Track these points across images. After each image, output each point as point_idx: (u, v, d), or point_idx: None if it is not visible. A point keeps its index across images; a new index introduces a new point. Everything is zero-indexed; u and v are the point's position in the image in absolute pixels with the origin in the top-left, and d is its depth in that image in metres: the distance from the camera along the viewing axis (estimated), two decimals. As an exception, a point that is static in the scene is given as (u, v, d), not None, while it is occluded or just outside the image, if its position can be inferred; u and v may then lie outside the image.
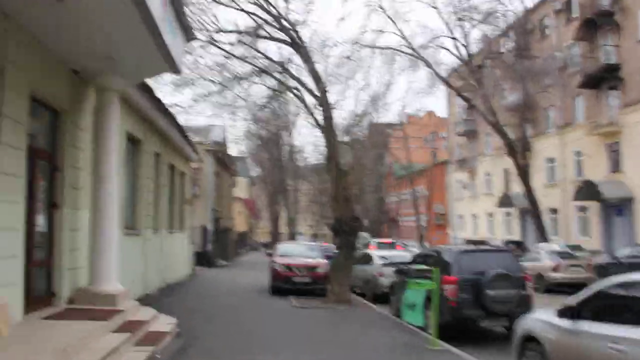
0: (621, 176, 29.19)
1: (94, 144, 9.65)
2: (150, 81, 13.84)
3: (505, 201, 38.46)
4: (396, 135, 51.00)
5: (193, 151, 22.30)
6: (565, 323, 6.38)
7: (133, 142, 14.48)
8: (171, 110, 17.13)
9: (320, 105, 16.72)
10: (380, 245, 33.40)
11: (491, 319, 10.41)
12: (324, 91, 16.70)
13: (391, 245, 35.44)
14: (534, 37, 35.34)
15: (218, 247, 33.26)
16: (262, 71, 17.33)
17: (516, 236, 38.59)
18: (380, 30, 30.38)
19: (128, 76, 9.83)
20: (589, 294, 6.35)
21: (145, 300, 13.06)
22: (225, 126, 38.13)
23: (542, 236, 31.19)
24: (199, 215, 29.43)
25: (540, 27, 36.49)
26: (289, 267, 16.97)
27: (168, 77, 17.68)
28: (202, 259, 29.09)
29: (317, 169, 63.01)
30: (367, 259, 17.93)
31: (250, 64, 17.36)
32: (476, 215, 45.96)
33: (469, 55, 32.74)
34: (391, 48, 30.35)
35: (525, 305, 10.50)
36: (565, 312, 6.39)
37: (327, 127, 16.49)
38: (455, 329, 10.43)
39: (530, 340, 7.04)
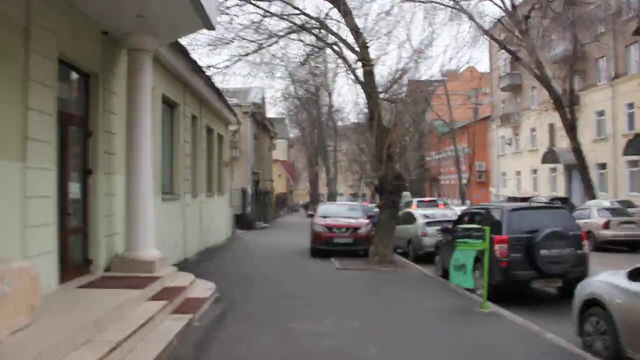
0: (677, 128, 27.75)
1: (127, 107, 9.35)
2: (184, 42, 13.48)
3: (550, 157, 37.18)
4: (437, 92, 49.67)
5: (231, 113, 22.00)
6: (634, 286, 5.85)
7: (169, 105, 14.22)
8: (207, 72, 16.78)
9: (361, 60, 16.06)
10: (422, 204, 33.03)
11: (544, 280, 9.87)
12: (364, 46, 16.02)
13: (433, 204, 34.92)
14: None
15: (258, 209, 33.25)
16: (300, 27, 16.70)
17: (561, 193, 37.42)
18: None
19: (160, 35, 9.44)
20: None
21: (184, 265, 12.98)
22: (263, 88, 37.76)
23: (590, 192, 30.08)
24: (238, 177, 29.34)
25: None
26: (330, 228, 16.64)
27: (203, 38, 17.36)
28: (242, 221, 29.12)
29: (357, 127, 62.49)
30: (410, 219, 17.46)
31: (288, 20, 16.75)
32: (520, 172, 44.75)
33: (514, 5, 31.22)
34: (432, 1, 29.13)
35: (581, 265, 9.93)
36: (635, 275, 5.84)
37: (368, 83, 15.87)
38: (506, 291, 9.96)
39: (593, 305, 6.52)
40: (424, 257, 15.86)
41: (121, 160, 9.47)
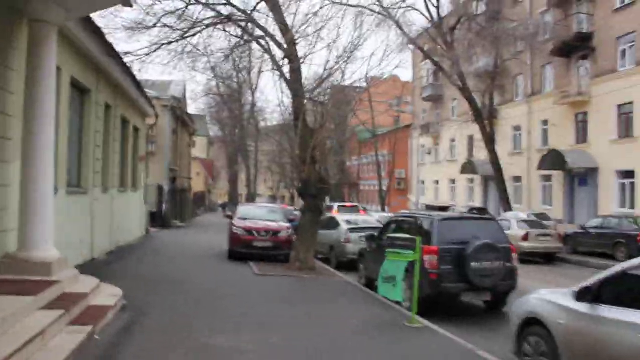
0: (587, 147, 28.81)
1: (26, 85, 8.16)
2: (101, 24, 12.32)
3: (469, 168, 37.94)
4: (360, 98, 49.75)
5: (149, 105, 20.73)
6: (580, 307, 5.45)
7: (80, 90, 12.97)
8: (125, 58, 15.57)
9: (288, 57, 15.39)
10: (343, 209, 32.43)
11: (474, 292, 9.52)
12: (292, 42, 15.35)
13: (354, 209, 34.49)
14: (507, 2, 34.34)
15: (174, 207, 31.84)
16: (227, 18, 15.81)
17: (478, 203, 38.26)
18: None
19: (69, 7, 8.32)
20: (611, 274, 5.42)
21: (90, 266, 11.84)
22: (184, 82, 36.32)
23: (506, 204, 30.83)
24: (155, 173, 27.89)
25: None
26: (249, 230, 15.80)
27: (121, 22, 16.11)
28: (157, 219, 27.71)
29: (278, 129, 61.78)
30: (332, 224, 16.90)
31: (213, 10, 15.84)
32: (438, 182, 45.52)
33: (440, 16, 31.58)
34: (361, 6, 28.90)
35: (511, 279, 9.68)
36: (583, 295, 5.43)
37: (295, 82, 15.21)
38: (434, 304, 9.53)
39: (533, 324, 6.10)
40: (347, 265, 15.37)
41: (18, 146, 8.27)
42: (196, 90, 44.67)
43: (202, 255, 16.87)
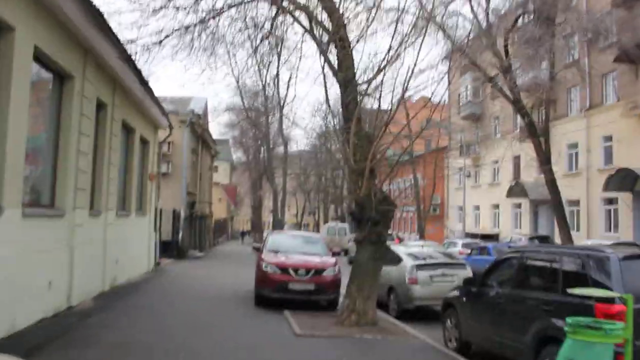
0: (663, 164, 24.45)
1: None
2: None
3: (517, 191, 33.47)
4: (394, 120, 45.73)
5: (161, 113, 16.90)
6: None
7: (56, 73, 9.19)
8: (128, 48, 11.83)
9: (336, 41, 11.52)
10: None
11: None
12: (340, 23, 11.52)
13: (389, 238, 30.68)
14: (561, 4, 30.29)
15: (192, 235, 27.86)
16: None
17: (526, 230, 33.83)
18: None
19: None
20: None
21: (55, 322, 7.93)
22: (205, 99, 32.74)
23: (565, 231, 26.37)
24: (170, 197, 24.04)
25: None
26: (283, 268, 11.60)
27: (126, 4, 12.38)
28: (171, 249, 23.75)
29: (304, 154, 57.85)
30: (393, 259, 12.71)
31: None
32: (478, 207, 41.03)
33: (489, 23, 27.56)
34: (401, 9, 25.06)
35: None
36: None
37: (347, 69, 11.32)
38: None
39: None
40: (410, 313, 11.34)
41: None
42: (219, 108, 40.79)
43: (221, 298, 12.72)
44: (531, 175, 32.91)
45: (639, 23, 25.79)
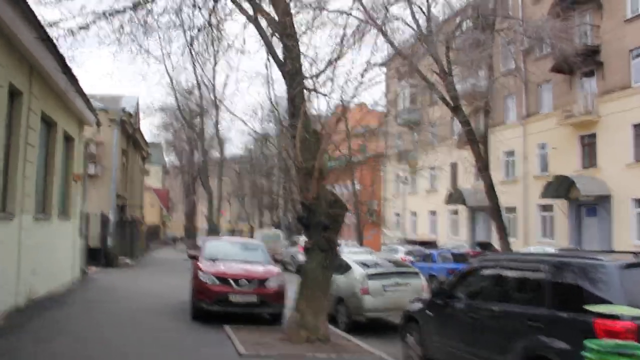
0: (596, 172, 24.78)
1: None
2: None
3: (455, 197, 33.45)
4: (331, 125, 45.03)
5: (88, 108, 15.32)
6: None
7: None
8: (49, 30, 10.42)
9: (281, 32, 10.55)
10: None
11: None
12: (286, 12, 10.56)
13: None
14: (501, 12, 30.45)
15: (122, 241, 26.01)
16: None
17: (463, 237, 33.85)
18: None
19: None
20: None
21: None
22: (137, 98, 30.88)
23: (504, 237, 26.32)
24: (98, 200, 22.24)
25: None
26: (223, 278, 10.41)
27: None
28: (100, 256, 21.95)
29: (239, 159, 56.20)
30: (340, 266, 11.76)
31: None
32: (416, 213, 40.90)
33: (430, 29, 27.22)
34: (342, 11, 24.35)
35: None
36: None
37: (293, 61, 10.35)
38: None
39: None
40: (362, 326, 10.45)
41: None
42: (151, 107, 38.31)
43: (154, 312, 11.39)
44: (469, 182, 32.94)
45: (574, 33, 26.15)
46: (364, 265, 11.35)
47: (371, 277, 10.77)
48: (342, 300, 11.08)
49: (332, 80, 10.89)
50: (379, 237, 43.34)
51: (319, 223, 9.15)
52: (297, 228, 50.67)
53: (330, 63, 10.73)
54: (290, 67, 10.35)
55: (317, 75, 10.83)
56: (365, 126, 49.90)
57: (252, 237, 51.66)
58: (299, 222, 9.73)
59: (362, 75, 10.76)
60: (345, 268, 11.30)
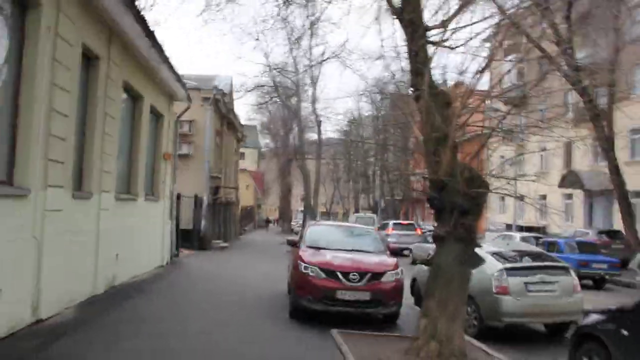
0: None
1: None
2: None
3: (571, 180, 29.89)
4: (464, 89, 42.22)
5: (179, 83, 13.94)
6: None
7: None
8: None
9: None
10: (398, 227, 27.87)
11: None
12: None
13: (410, 227, 28.60)
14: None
15: (215, 223, 25.00)
16: None
17: (579, 224, 30.29)
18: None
19: None
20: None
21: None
22: (231, 77, 29.80)
23: (630, 225, 22.88)
24: (190, 181, 21.17)
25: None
26: (330, 271, 8.55)
27: None
28: (193, 239, 20.94)
29: (334, 142, 54.55)
30: (474, 260, 9.47)
31: None
32: (523, 197, 37.43)
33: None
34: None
35: None
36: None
37: (412, 12, 8.16)
38: None
39: None
40: (494, 332, 8.25)
41: None
42: (245, 87, 36.91)
43: (245, 306, 9.71)
44: (584, 163, 29.44)
45: None
46: (500, 256, 9.06)
47: (510, 272, 8.50)
48: (471, 298, 8.86)
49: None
50: (482, 222, 40.29)
51: (455, 205, 7.00)
52: (393, 211, 48.61)
53: (460, 9, 8.49)
54: (411, 16, 8.19)
55: (445, 24, 8.60)
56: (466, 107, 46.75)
57: (347, 220, 50.29)
58: (429, 204, 7.57)
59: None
60: (478, 260, 9.05)
